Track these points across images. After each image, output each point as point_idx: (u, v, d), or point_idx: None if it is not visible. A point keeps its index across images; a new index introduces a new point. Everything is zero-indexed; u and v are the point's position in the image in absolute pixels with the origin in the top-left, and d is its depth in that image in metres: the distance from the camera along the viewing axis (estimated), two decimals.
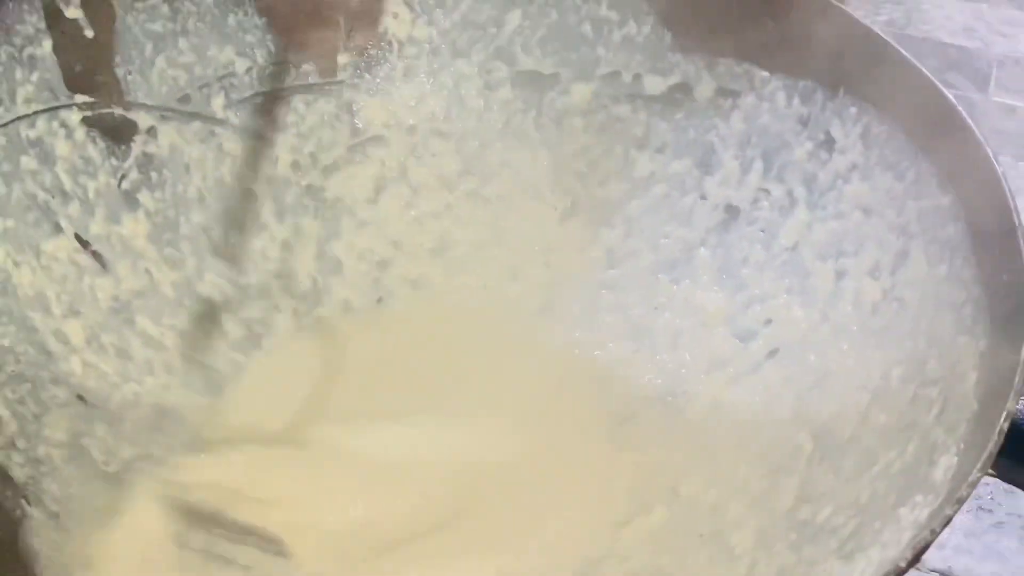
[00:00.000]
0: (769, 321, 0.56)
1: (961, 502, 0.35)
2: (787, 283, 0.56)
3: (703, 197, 0.61)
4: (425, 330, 0.63)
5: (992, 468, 0.83)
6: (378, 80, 0.67)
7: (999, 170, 0.46)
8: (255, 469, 0.56)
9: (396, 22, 0.66)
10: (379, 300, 0.65)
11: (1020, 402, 0.89)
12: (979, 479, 0.36)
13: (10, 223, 0.55)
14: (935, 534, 0.35)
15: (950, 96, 0.50)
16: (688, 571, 0.48)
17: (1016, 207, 0.45)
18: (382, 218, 0.66)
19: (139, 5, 0.60)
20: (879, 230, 0.52)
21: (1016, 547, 0.82)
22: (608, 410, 0.58)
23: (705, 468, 0.52)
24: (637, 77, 0.63)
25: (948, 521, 0.35)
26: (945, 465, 0.41)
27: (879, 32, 0.54)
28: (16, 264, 0.54)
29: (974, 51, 1.34)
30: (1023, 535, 0.83)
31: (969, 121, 0.49)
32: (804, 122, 0.57)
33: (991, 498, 0.86)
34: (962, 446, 0.41)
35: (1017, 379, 0.39)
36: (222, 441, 0.57)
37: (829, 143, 0.56)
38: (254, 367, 0.61)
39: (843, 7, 0.55)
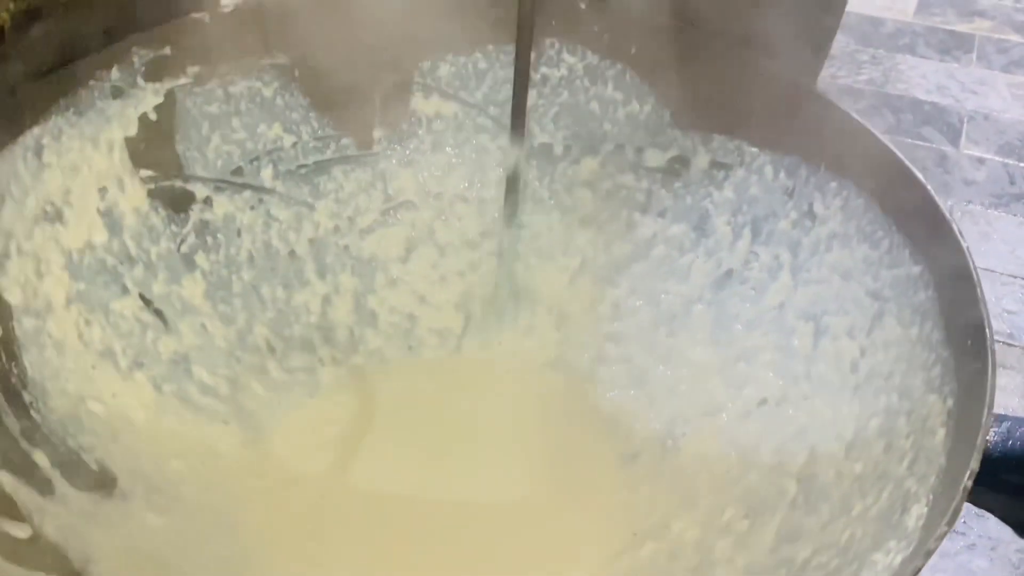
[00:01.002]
0: (757, 374, 0.56)
1: (930, 554, 0.36)
2: (774, 339, 0.56)
3: (700, 258, 0.62)
4: (449, 378, 0.64)
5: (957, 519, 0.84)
6: (408, 152, 0.68)
7: (964, 244, 0.47)
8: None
9: (424, 101, 0.67)
10: (409, 349, 0.66)
11: (990, 431, 0.89)
12: (946, 532, 0.37)
13: (82, 286, 0.56)
14: None
15: (920, 175, 0.51)
16: None
17: (979, 279, 0.46)
18: (412, 275, 0.67)
19: (197, 90, 0.61)
20: (857, 294, 0.53)
21: (987, 567, 0.83)
22: (614, 451, 0.59)
23: (693, 507, 0.53)
24: (639, 150, 0.64)
25: (918, 571, 0.36)
26: (917, 514, 0.42)
27: (855, 116, 0.54)
28: (87, 323, 0.55)
29: (947, 107, 1.34)
30: (992, 556, 0.83)
31: (937, 199, 0.49)
32: (789, 193, 0.58)
33: (963, 522, 0.86)
34: (931, 497, 0.41)
35: (979, 440, 0.39)
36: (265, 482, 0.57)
37: (812, 213, 0.57)
38: (296, 412, 0.61)
39: (824, 94, 0.56)
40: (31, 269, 0.54)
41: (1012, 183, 1.22)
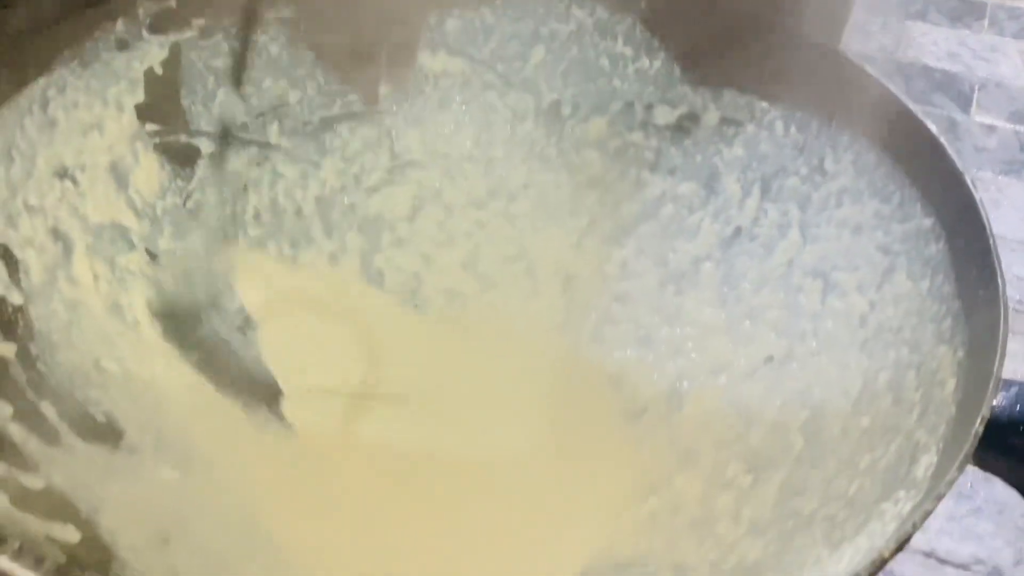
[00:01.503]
0: (764, 332, 0.56)
1: (940, 498, 0.36)
2: (781, 297, 0.56)
3: (708, 215, 0.62)
4: (456, 338, 0.64)
5: (967, 464, 0.84)
6: (415, 109, 0.67)
7: (976, 196, 0.47)
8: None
9: (431, 57, 0.66)
10: (416, 308, 0.66)
11: (999, 395, 0.89)
12: (957, 477, 0.37)
13: (89, 239, 0.56)
14: (916, 527, 0.35)
15: (932, 127, 0.50)
16: (680, 554, 0.49)
17: (991, 230, 0.45)
18: (418, 235, 0.67)
19: (202, 43, 0.61)
20: (867, 249, 0.53)
21: (993, 530, 0.83)
22: (619, 408, 0.59)
23: (696, 463, 0.53)
24: (649, 107, 0.64)
25: (928, 515, 0.36)
26: (926, 463, 0.42)
27: (869, 69, 0.54)
28: (95, 278, 0.55)
29: (958, 74, 1.33)
30: (999, 519, 0.83)
31: (949, 150, 0.49)
32: (800, 149, 0.58)
33: (970, 486, 0.86)
34: (941, 446, 0.41)
35: (991, 387, 0.39)
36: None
37: (822, 169, 0.56)
38: (303, 371, 0.61)
39: (835, 48, 0.56)
40: (40, 225, 0.54)
41: (1023, 150, 1.22)
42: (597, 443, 0.58)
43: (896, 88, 0.53)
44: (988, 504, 0.84)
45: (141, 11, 0.58)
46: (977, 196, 0.47)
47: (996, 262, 0.44)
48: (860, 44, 1.38)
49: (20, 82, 0.53)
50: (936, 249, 0.49)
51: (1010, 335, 0.94)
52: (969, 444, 0.37)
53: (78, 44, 0.56)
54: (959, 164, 0.48)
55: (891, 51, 1.38)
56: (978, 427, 0.38)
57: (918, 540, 0.81)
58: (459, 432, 0.60)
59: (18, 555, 0.22)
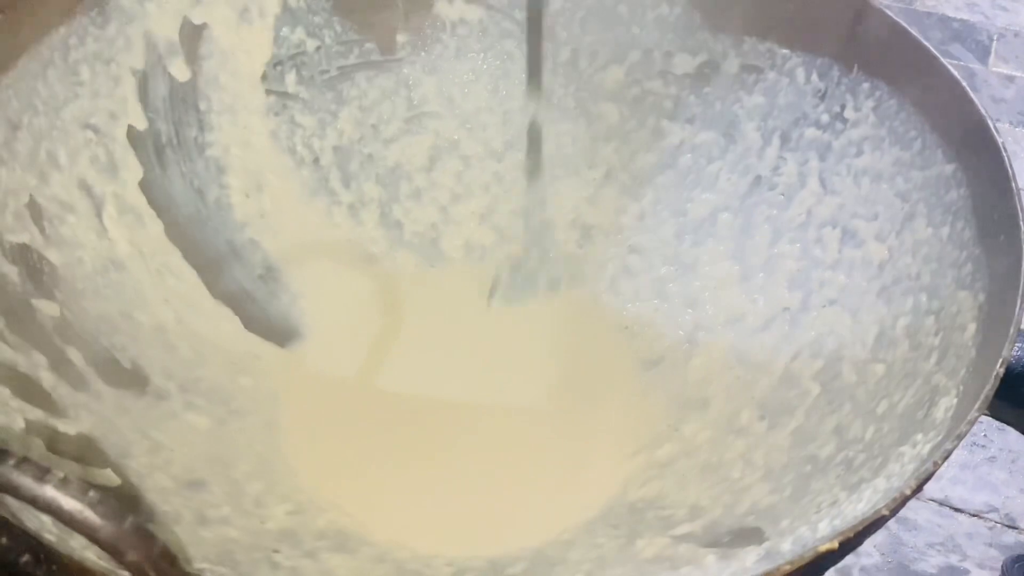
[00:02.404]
0: (781, 282, 0.56)
1: (961, 438, 0.36)
2: (799, 247, 0.56)
3: (727, 165, 0.61)
4: (473, 288, 0.64)
5: (986, 408, 0.84)
6: (433, 58, 0.67)
7: (999, 140, 0.47)
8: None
9: (448, 5, 0.66)
10: (433, 261, 0.66)
11: (1014, 347, 0.90)
12: (977, 418, 0.37)
13: (113, 188, 0.56)
14: (937, 466, 0.36)
15: (955, 72, 0.50)
16: (694, 496, 0.49)
17: (1014, 173, 0.45)
18: (437, 186, 0.67)
19: None
20: (887, 196, 0.53)
21: (1006, 478, 0.84)
22: (636, 357, 0.59)
23: (711, 410, 0.53)
24: (668, 55, 0.63)
25: (948, 455, 0.36)
26: (945, 406, 0.42)
27: (891, 14, 0.53)
28: (121, 226, 0.56)
29: (976, 24, 1.32)
30: (1012, 468, 0.84)
31: (972, 95, 0.49)
32: (821, 96, 0.57)
33: (984, 435, 0.87)
34: (961, 388, 0.42)
35: (1012, 330, 0.39)
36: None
37: (843, 116, 0.56)
38: (328, 318, 0.62)
39: None
40: (64, 175, 0.54)
41: None
42: (613, 390, 0.59)
43: (914, 27, 0.53)
44: (1002, 453, 0.85)
45: None
46: (1000, 141, 0.46)
47: (1018, 206, 0.44)
48: None
49: (42, 32, 0.53)
50: (957, 195, 0.49)
51: None
52: (990, 385, 0.38)
53: None
54: (982, 109, 0.48)
55: (908, 1, 1.36)
56: (999, 369, 0.38)
57: (932, 489, 0.82)
58: (478, 379, 0.60)
59: (63, 485, 0.23)
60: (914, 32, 0.52)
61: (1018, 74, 1.24)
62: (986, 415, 0.83)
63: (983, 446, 0.85)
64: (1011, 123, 1.17)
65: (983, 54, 1.27)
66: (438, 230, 0.67)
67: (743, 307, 0.57)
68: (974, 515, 0.80)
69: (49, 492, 0.23)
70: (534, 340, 0.63)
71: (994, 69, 1.24)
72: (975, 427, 0.84)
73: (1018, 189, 0.44)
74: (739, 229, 0.60)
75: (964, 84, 0.49)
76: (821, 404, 0.50)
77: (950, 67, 0.50)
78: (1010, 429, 0.86)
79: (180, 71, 0.60)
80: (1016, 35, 1.30)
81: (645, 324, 0.61)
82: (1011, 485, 0.83)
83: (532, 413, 0.59)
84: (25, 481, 0.23)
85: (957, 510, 0.80)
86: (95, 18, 0.56)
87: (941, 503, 0.80)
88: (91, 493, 0.23)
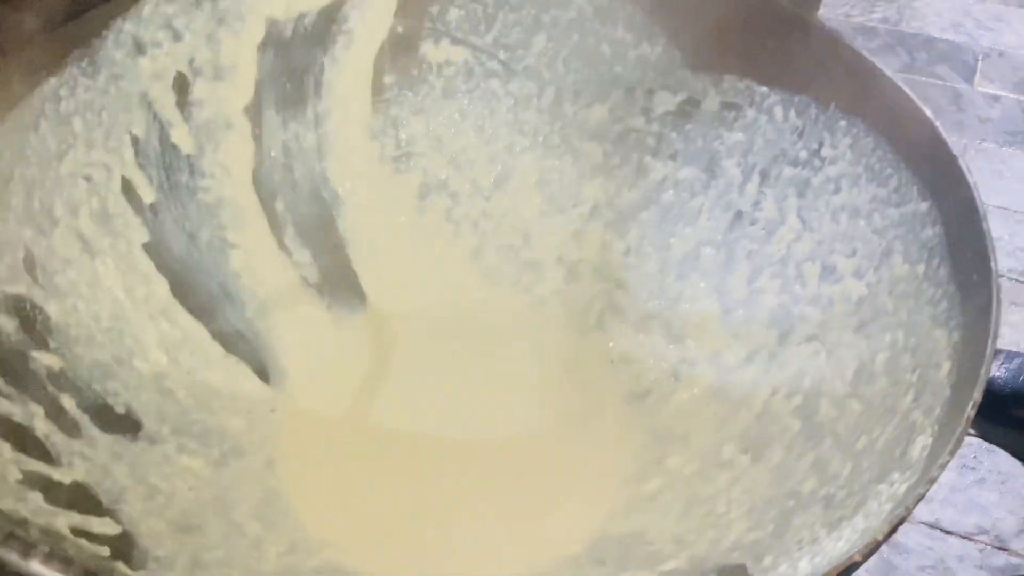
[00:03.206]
0: (762, 317, 0.57)
1: (932, 482, 0.37)
2: (780, 281, 0.57)
3: (709, 200, 0.62)
4: (461, 325, 0.65)
5: (974, 428, 0.85)
6: (420, 98, 0.68)
7: (971, 179, 0.47)
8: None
9: (434, 46, 0.67)
10: (423, 298, 0.67)
11: (1000, 367, 0.90)
12: (949, 461, 0.38)
13: (109, 240, 0.57)
14: (909, 510, 0.36)
15: (927, 112, 0.51)
16: (680, 529, 0.50)
17: (985, 213, 0.46)
18: (425, 223, 0.67)
19: None
20: (864, 233, 0.53)
21: (996, 500, 0.84)
22: (623, 392, 0.60)
23: (695, 444, 0.54)
24: (650, 93, 0.64)
25: (921, 499, 0.37)
26: (921, 444, 0.43)
27: (865, 54, 0.54)
28: (115, 272, 0.57)
29: (962, 44, 1.33)
30: (1002, 490, 0.84)
31: (944, 135, 0.50)
32: (799, 133, 0.58)
33: (974, 457, 0.87)
34: (936, 427, 0.42)
35: (983, 371, 0.40)
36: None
37: (821, 153, 0.57)
38: (317, 355, 0.63)
39: (833, 31, 0.56)
40: (56, 224, 0.55)
41: None
42: (601, 424, 0.60)
43: (897, 73, 0.53)
44: (991, 475, 0.85)
45: (147, 8, 0.59)
46: (972, 180, 0.47)
47: (989, 246, 0.44)
48: (864, 16, 1.38)
49: (33, 84, 0.54)
50: (932, 232, 0.49)
51: (1012, 306, 0.95)
52: (961, 428, 0.38)
53: (87, 43, 0.57)
54: (954, 148, 0.49)
55: (895, 22, 1.38)
56: (970, 412, 0.39)
57: (922, 512, 0.83)
58: (469, 414, 0.61)
59: (48, 560, 0.24)
60: (887, 72, 0.53)
61: (1004, 94, 1.25)
62: (974, 436, 0.84)
63: (972, 468, 0.86)
64: (997, 143, 1.18)
65: (969, 74, 1.28)
66: (427, 269, 0.68)
67: (724, 342, 0.58)
68: (964, 537, 0.80)
69: (35, 568, 0.24)
70: (525, 374, 0.63)
71: (980, 89, 1.25)
72: (965, 449, 0.84)
73: (988, 229, 0.45)
74: (721, 264, 0.61)
75: (937, 123, 0.50)
76: (802, 439, 0.50)
77: (923, 106, 0.51)
78: (999, 451, 0.86)
79: (172, 117, 0.61)
80: (1001, 55, 1.31)
81: (631, 359, 0.61)
82: (1001, 507, 0.83)
83: (520, 447, 0.59)
84: (11, 558, 0.23)
85: (947, 532, 0.81)
86: (85, 68, 0.57)
87: (931, 526, 0.81)
88: (75, 567, 0.24)
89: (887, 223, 0.52)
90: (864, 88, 0.54)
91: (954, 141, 1.09)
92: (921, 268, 0.49)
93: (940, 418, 0.42)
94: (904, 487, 0.40)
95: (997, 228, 1.06)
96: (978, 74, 1.29)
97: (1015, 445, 0.87)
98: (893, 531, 0.36)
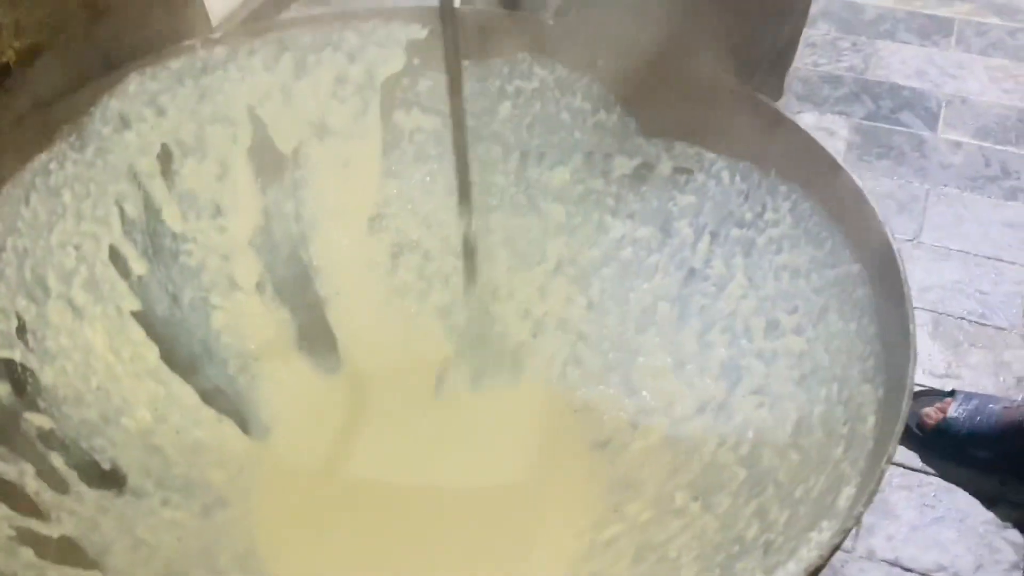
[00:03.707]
0: (712, 369, 0.60)
1: (847, 532, 0.40)
2: (729, 336, 0.60)
3: (665, 257, 0.66)
4: (432, 379, 0.69)
5: (933, 468, 0.88)
6: (391, 163, 0.72)
7: (895, 245, 0.51)
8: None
9: (406, 114, 0.71)
10: (396, 353, 0.70)
11: (959, 408, 0.93)
12: (863, 512, 0.41)
13: (99, 309, 0.61)
14: (824, 560, 0.39)
15: (856, 180, 0.54)
16: (635, 574, 0.53)
17: (906, 277, 0.49)
18: (398, 281, 0.71)
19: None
20: (804, 291, 0.57)
21: (955, 538, 0.87)
22: (585, 439, 0.63)
23: (650, 492, 0.57)
24: (608, 156, 0.68)
25: (837, 548, 0.40)
26: (847, 494, 0.46)
27: (801, 125, 0.58)
28: (102, 335, 0.60)
29: (925, 92, 1.37)
30: (961, 528, 0.87)
31: (871, 201, 0.53)
32: (745, 196, 0.62)
33: (933, 495, 0.90)
34: (859, 479, 0.45)
35: (897, 428, 0.43)
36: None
37: (764, 216, 0.60)
38: (295, 414, 0.66)
39: (774, 104, 0.60)
40: (45, 292, 0.58)
41: (987, 165, 1.26)
42: (564, 471, 0.63)
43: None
44: (951, 512, 0.88)
45: (132, 86, 0.63)
46: (895, 247, 0.51)
47: (909, 309, 0.48)
48: (831, 65, 1.43)
49: (24, 159, 0.58)
50: (863, 293, 0.53)
51: (973, 348, 0.98)
52: (875, 482, 0.41)
53: (75, 120, 0.60)
54: (880, 214, 0.53)
55: (861, 71, 1.42)
56: (884, 466, 0.42)
57: (883, 549, 0.85)
58: (440, 466, 0.64)
59: None
60: (820, 142, 0.57)
61: (965, 140, 1.29)
62: (934, 476, 0.87)
63: (932, 507, 0.89)
64: (959, 188, 1.22)
65: (932, 121, 1.32)
66: (402, 320, 0.71)
67: (678, 394, 0.61)
68: (924, 574, 0.83)
69: None
70: (490, 426, 0.67)
71: (943, 136, 1.29)
72: (925, 488, 0.87)
73: (908, 291, 0.49)
74: (676, 318, 0.64)
75: (864, 191, 0.54)
76: (747, 487, 0.53)
77: (853, 175, 0.55)
78: (958, 490, 0.90)
79: (156, 187, 0.64)
80: (963, 102, 1.36)
81: (592, 409, 0.65)
82: (959, 544, 0.86)
83: (489, 497, 0.62)
84: None
85: (907, 570, 0.83)
86: (74, 143, 0.60)
87: (892, 563, 0.83)
88: None
89: (824, 283, 0.56)
90: (801, 157, 0.58)
91: (916, 186, 1.13)
92: (853, 326, 0.53)
93: (863, 470, 0.45)
94: (829, 535, 0.43)
95: (957, 271, 1.10)
96: (941, 121, 1.33)
97: (973, 484, 0.91)
98: (815, 574, 0.39)
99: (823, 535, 0.44)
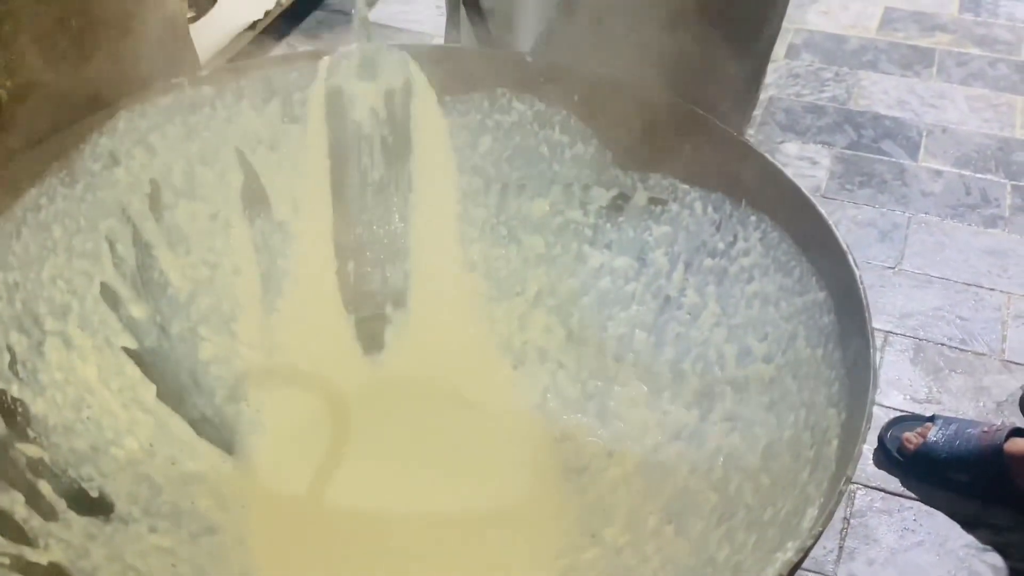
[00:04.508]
0: (687, 395, 0.62)
1: (806, 552, 0.42)
2: (703, 364, 0.62)
3: (641, 286, 0.68)
4: (416, 404, 0.70)
5: (914, 493, 0.90)
6: None
7: (857, 273, 0.53)
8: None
9: None
10: (381, 374, 0.72)
11: (938, 432, 0.95)
12: (822, 532, 0.42)
13: (89, 340, 0.62)
14: None
15: (821, 210, 0.56)
16: None
17: (867, 304, 0.51)
18: None
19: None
20: (774, 318, 0.59)
21: (935, 561, 0.88)
22: (564, 466, 0.65)
23: (625, 516, 0.59)
24: (586, 188, 0.70)
25: (797, 567, 0.42)
26: (810, 516, 0.47)
27: (768, 157, 0.60)
28: (93, 367, 0.62)
29: (907, 121, 1.40)
30: (940, 551, 0.89)
31: (835, 230, 0.55)
32: (717, 226, 0.64)
33: (914, 519, 0.91)
34: (822, 500, 0.47)
35: (856, 450, 0.45)
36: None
37: (735, 245, 0.62)
38: (282, 440, 0.67)
39: (745, 139, 0.62)
40: (36, 324, 0.60)
41: (968, 193, 1.28)
42: (543, 497, 0.64)
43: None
44: (931, 536, 0.90)
45: (121, 123, 0.65)
46: (858, 274, 0.53)
47: (870, 336, 0.50)
48: (814, 95, 1.46)
49: (15, 195, 0.60)
50: (828, 320, 0.55)
51: (953, 373, 1.00)
52: (834, 502, 0.43)
53: (65, 156, 0.62)
54: (843, 244, 0.55)
55: (843, 101, 1.45)
56: (842, 487, 0.43)
57: (864, 573, 0.87)
58: (419, 488, 0.66)
59: None
60: (788, 174, 0.59)
61: (946, 168, 1.31)
62: (915, 500, 0.88)
63: (912, 531, 0.90)
64: (940, 216, 1.24)
65: (913, 150, 1.35)
66: (386, 347, 0.73)
67: (653, 422, 0.63)
68: None
69: None
70: (470, 451, 0.68)
71: (923, 164, 1.32)
72: (905, 513, 0.88)
73: (870, 318, 0.50)
74: (653, 345, 0.66)
75: (830, 221, 0.56)
76: (719, 511, 0.55)
77: (818, 206, 0.57)
78: (938, 513, 0.92)
79: (145, 221, 0.66)
80: (944, 131, 1.39)
81: (570, 436, 0.66)
82: (939, 567, 0.88)
83: (471, 521, 0.64)
84: None
85: None
86: (64, 179, 0.62)
87: None
88: None
89: (792, 310, 0.58)
90: (768, 187, 0.60)
91: (898, 214, 1.16)
92: (820, 352, 0.55)
93: (826, 492, 0.47)
94: (792, 554, 0.45)
95: (938, 298, 1.12)
96: (922, 149, 1.36)
97: (953, 507, 0.92)
98: None
99: (788, 555, 0.46)
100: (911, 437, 0.95)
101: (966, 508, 0.91)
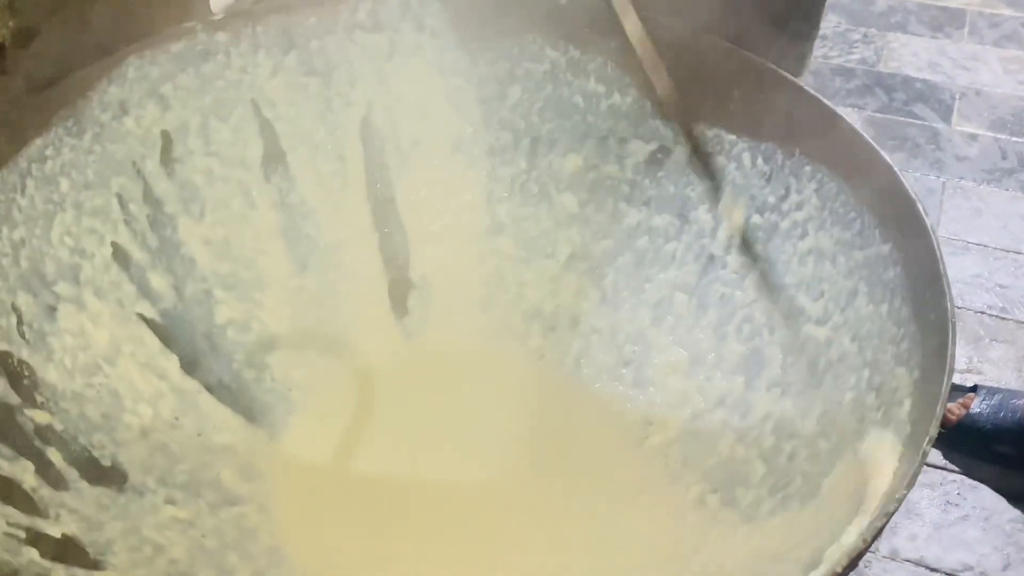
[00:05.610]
0: (734, 361, 0.59)
1: (889, 516, 0.39)
2: (750, 327, 0.59)
3: (683, 246, 0.65)
4: (446, 370, 0.67)
5: (957, 465, 0.86)
6: None
7: (928, 222, 0.50)
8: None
9: None
10: (409, 338, 0.69)
11: (982, 403, 0.91)
12: (905, 495, 0.39)
13: (98, 304, 0.59)
14: (867, 543, 0.38)
15: (886, 156, 0.53)
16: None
17: (942, 256, 0.48)
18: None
19: None
20: (831, 274, 0.56)
21: (980, 536, 0.85)
22: (600, 436, 0.62)
23: (665, 485, 0.56)
24: (623, 141, 0.67)
25: (879, 532, 0.39)
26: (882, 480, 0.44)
27: (826, 101, 0.57)
28: (104, 329, 0.59)
29: (939, 84, 1.37)
30: (986, 526, 0.86)
31: (902, 178, 0.52)
32: (767, 179, 0.61)
33: (957, 493, 0.89)
34: (898, 464, 0.44)
35: (939, 409, 0.42)
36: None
37: (788, 198, 0.59)
38: (303, 403, 0.65)
39: (796, 81, 0.59)
40: (44, 283, 0.57)
41: (1004, 158, 1.25)
42: (576, 468, 0.61)
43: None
44: (976, 511, 0.87)
45: (130, 70, 0.61)
46: (929, 223, 0.50)
47: (946, 287, 0.47)
48: (842, 57, 1.42)
49: (19, 145, 0.57)
50: (894, 274, 0.52)
51: (994, 342, 0.96)
52: (917, 464, 0.40)
53: (71, 104, 0.59)
54: (912, 192, 0.51)
55: (872, 63, 1.41)
56: (925, 447, 0.40)
57: (907, 549, 0.84)
58: (449, 458, 0.63)
59: None
60: (847, 119, 0.56)
61: (981, 132, 1.28)
62: (959, 473, 0.85)
63: (957, 504, 0.87)
64: (975, 181, 1.21)
65: (946, 113, 1.31)
66: (414, 311, 0.70)
67: (695, 388, 0.60)
68: (949, 574, 0.82)
69: None
70: (505, 420, 0.65)
71: (957, 128, 1.29)
72: (948, 487, 0.86)
73: (945, 270, 0.47)
74: (694, 309, 0.63)
75: (895, 168, 0.53)
76: (770, 480, 0.52)
77: (882, 152, 0.54)
78: (983, 487, 0.89)
79: (156, 175, 0.63)
80: (978, 94, 1.35)
81: (607, 403, 0.63)
82: (984, 543, 0.85)
83: (496, 491, 0.61)
84: None
85: (933, 570, 0.82)
86: (70, 128, 0.59)
87: (917, 563, 0.82)
88: None
89: (852, 265, 0.55)
90: (827, 135, 0.57)
91: (932, 179, 1.12)
92: (884, 308, 0.52)
93: (901, 455, 0.44)
94: (867, 522, 0.42)
95: (976, 265, 1.09)
96: (955, 113, 1.32)
97: (999, 481, 0.89)
98: (852, 566, 0.38)
99: (861, 519, 0.43)
100: (953, 408, 0.92)
101: (1012, 481, 0.88)
